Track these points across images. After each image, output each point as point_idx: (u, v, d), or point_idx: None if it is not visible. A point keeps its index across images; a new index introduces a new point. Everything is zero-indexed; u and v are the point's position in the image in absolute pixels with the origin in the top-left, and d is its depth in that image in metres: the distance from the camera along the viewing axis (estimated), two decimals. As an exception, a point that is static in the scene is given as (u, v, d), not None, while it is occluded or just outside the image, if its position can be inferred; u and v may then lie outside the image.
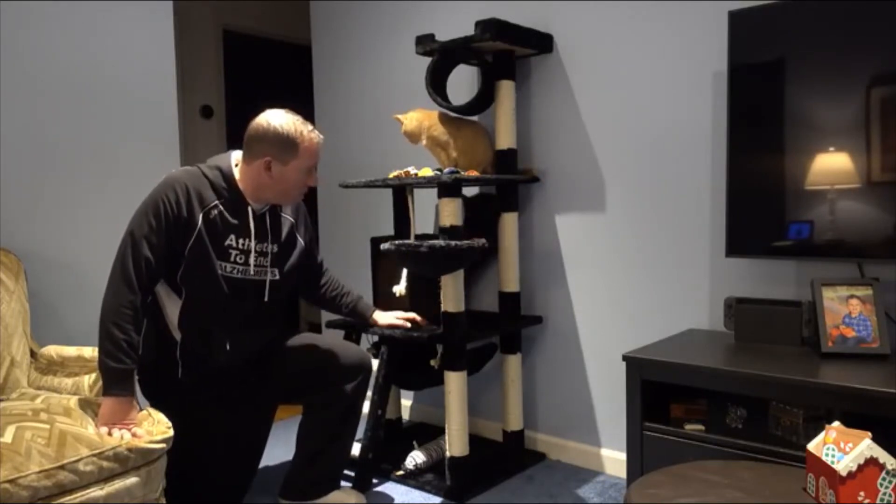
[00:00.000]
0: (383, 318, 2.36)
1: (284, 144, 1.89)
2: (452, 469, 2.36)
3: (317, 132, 1.96)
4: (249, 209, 1.97)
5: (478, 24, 2.39)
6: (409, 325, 2.35)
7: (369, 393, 2.40)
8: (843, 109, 1.85)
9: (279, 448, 2.76)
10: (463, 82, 2.84)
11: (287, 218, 2.10)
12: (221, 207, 1.92)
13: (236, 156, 1.99)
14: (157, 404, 1.92)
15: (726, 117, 2.09)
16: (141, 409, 1.83)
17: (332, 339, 2.21)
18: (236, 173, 1.96)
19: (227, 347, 1.98)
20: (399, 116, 2.47)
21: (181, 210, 1.86)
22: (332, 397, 2.09)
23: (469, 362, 2.47)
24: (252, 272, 1.98)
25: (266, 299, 2.03)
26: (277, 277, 2.05)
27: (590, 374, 2.59)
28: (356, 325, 2.50)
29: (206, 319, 1.96)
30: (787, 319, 1.98)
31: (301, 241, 2.14)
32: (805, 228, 1.93)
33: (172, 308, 1.95)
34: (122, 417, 1.73)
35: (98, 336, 1.79)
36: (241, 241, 1.95)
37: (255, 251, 1.98)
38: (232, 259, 1.94)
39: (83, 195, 2.49)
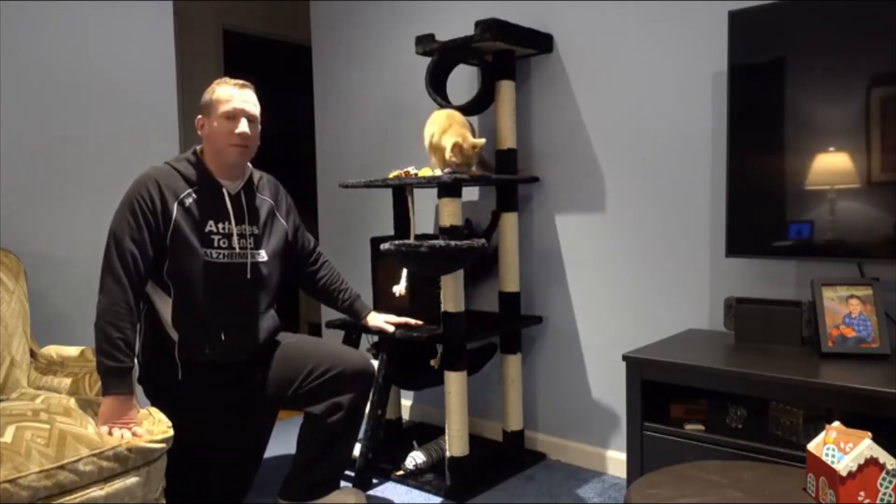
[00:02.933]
0: (374, 319, 2.35)
1: (203, 101, 1.98)
2: (452, 469, 2.36)
3: (235, 81, 1.99)
4: (224, 191, 2.00)
5: (478, 24, 2.39)
6: (391, 328, 2.31)
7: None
8: (843, 109, 1.85)
9: (279, 447, 2.76)
10: (463, 82, 2.84)
11: (265, 199, 2.12)
12: (195, 195, 1.96)
13: (199, 146, 2.04)
14: (160, 406, 1.92)
15: (726, 117, 2.09)
16: (141, 409, 1.83)
17: (335, 345, 2.19)
18: (203, 160, 2.01)
19: (223, 338, 1.98)
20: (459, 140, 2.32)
21: (155, 204, 1.90)
22: (335, 405, 2.08)
23: (469, 362, 2.47)
24: (237, 255, 2.00)
25: (251, 278, 2.03)
26: (265, 259, 2.06)
27: (590, 374, 2.59)
28: (357, 325, 2.51)
29: (197, 311, 1.96)
30: (787, 319, 1.98)
31: (284, 223, 2.15)
32: (805, 228, 1.93)
33: (165, 308, 1.97)
34: (122, 416, 1.74)
35: (94, 339, 1.80)
36: (220, 224, 1.98)
37: (237, 233, 2.00)
38: (216, 245, 1.97)
39: (83, 195, 2.49)
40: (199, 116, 1.99)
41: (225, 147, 1.96)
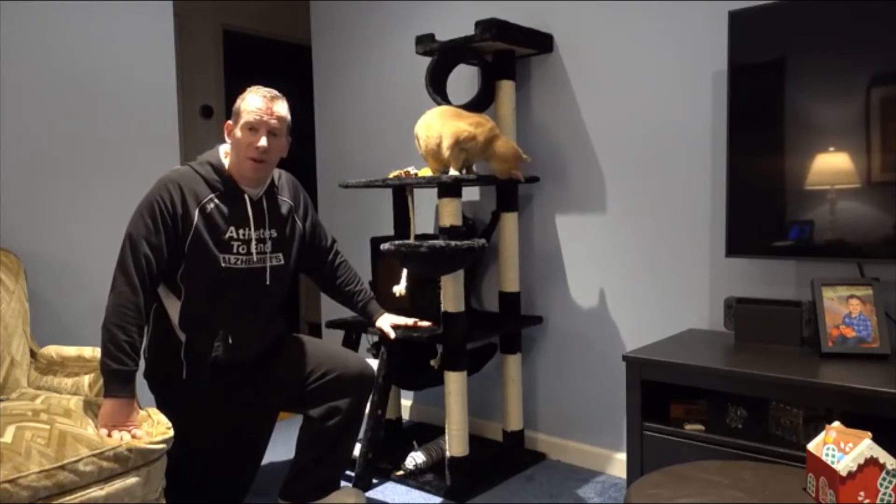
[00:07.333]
0: (380, 321, 2.33)
1: (233, 109, 1.94)
2: (452, 469, 2.36)
3: (265, 91, 1.94)
4: (246, 196, 1.97)
5: (478, 24, 2.39)
6: (393, 334, 2.28)
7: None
8: (843, 109, 1.85)
9: (279, 447, 2.76)
10: (463, 82, 2.84)
11: (285, 201, 2.09)
12: (217, 201, 1.93)
13: (224, 148, 2.01)
14: (163, 404, 1.92)
15: (726, 117, 2.09)
16: (141, 410, 1.83)
17: (335, 348, 2.18)
18: (226, 164, 1.97)
19: (230, 341, 1.98)
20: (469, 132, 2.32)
21: (176, 208, 1.88)
22: (334, 409, 2.07)
23: (469, 362, 2.47)
24: (255, 260, 1.98)
25: (268, 283, 2.01)
26: (282, 262, 2.04)
27: (590, 374, 2.59)
28: (357, 325, 2.50)
29: (206, 315, 1.95)
30: (787, 319, 1.98)
31: (300, 225, 2.14)
32: (805, 228, 1.93)
33: (173, 310, 1.96)
34: (123, 419, 1.73)
35: (101, 339, 1.80)
36: (240, 231, 1.96)
37: (256, 239, 1.98)
38: (235, 250, 1.95)
39: (83, 195, 2.49)
40: (229, 122, 1.95)
41: (243, 159, 1.92)
